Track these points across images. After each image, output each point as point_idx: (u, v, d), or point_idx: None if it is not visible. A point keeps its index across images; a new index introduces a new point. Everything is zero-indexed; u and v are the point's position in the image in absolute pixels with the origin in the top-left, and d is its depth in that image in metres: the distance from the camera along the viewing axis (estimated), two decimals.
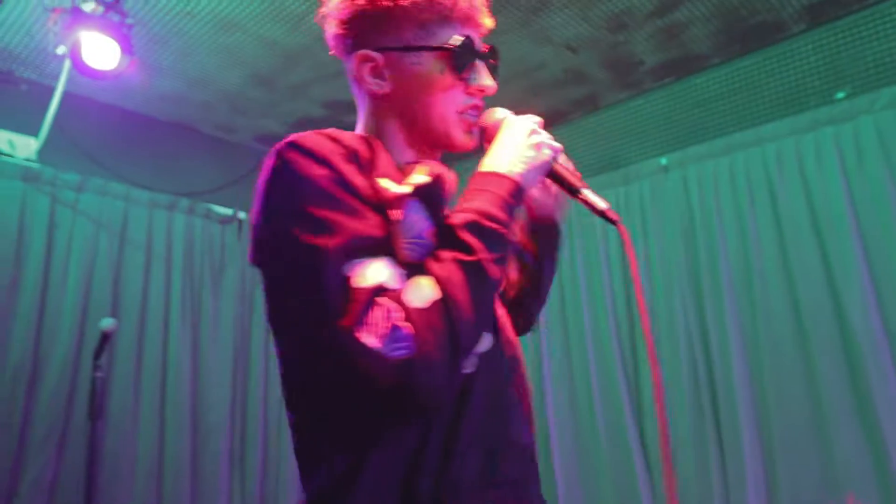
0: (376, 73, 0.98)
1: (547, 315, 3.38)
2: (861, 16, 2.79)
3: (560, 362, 3.33)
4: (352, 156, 0.86)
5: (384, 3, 0.96)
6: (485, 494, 0.84)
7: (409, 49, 0.96)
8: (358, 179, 0.84)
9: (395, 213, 0.84)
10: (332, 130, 0.90)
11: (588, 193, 0.96)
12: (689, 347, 2.96)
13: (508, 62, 3.13)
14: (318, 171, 0.83)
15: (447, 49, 0.96)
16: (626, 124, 3.46)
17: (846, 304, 2.57)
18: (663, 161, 3.19)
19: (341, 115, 3.64)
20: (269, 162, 0.87)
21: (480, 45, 1.00)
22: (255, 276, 3.74)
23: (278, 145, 0.87)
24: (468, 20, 0.98)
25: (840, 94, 2.80)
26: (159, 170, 3.59)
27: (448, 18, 0.97)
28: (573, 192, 0.97)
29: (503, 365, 0.94)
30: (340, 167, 0.84)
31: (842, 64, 2.82)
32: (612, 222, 0.94)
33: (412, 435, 0.82)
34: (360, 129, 1.04)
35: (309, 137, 0.86)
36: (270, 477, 3.55)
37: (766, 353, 2.72)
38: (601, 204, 0.95)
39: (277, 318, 0.88)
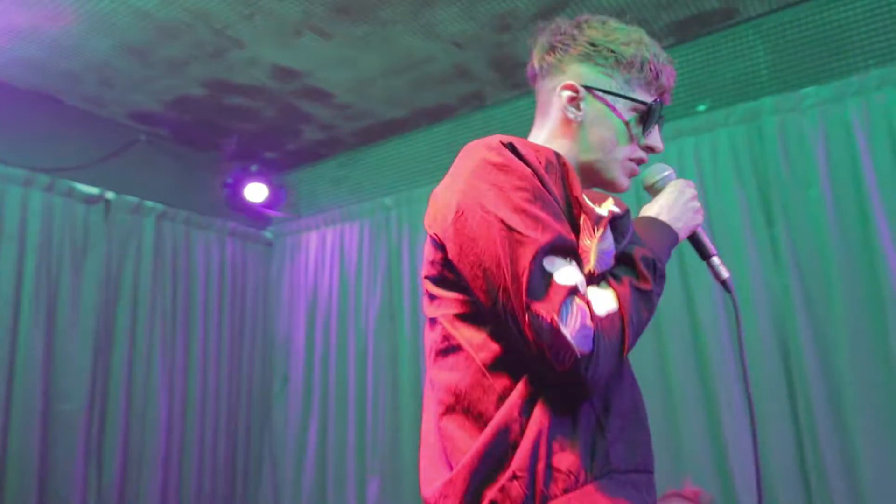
0: (574, 102, 1.12)
1: None
2: (721, 35, 3.03)
3: None
4: (550, 166, 0.98)
5: (606, 54, 1.10)
6: (629, 477, 0.93)
7: (614, 94, 1.10)
8: (555, 188, 0.96)
9: (598, 230, 0.97)
10: (530, 142, 1.03)
11: (717, 260, 1.16)
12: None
13: (397, 53, 3.13)
14: (531, 175, 0.94)
15: (646, 105, 1.11)
16: (512, 123, 3.56)
17: (697, 304, 2.79)
18: None
19: (222, 96, 3.50)
20: (483, 152, 0.96)
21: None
22: (120, 260, 3.52)
23: (491, 140, 0.98)
24: (663, 93, 1.13)
25: (701, 107, 3.03)
26: (14, 142, 3.30)
27: (650, 84, 1.11)
28: (707, 255, 1.17)
29: (632, 372, 1.07)
30: (544, 175, 0.96)
31: (703, 79, 3.05)
32: (729, 291, 1.15)
33: (568, 414, 0.91)
34: (537, 138, 1.17)
35: (519, 142, 0.98)
36: (132, 470, 3.37)
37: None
38: (724, 273, 1.16)
39: (450, 286, 0.99)
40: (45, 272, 3.21)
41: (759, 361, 2.62)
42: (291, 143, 4.10)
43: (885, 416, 2.38)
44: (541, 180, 0.94)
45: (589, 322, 0.86)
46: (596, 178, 1.15)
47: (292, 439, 3.95)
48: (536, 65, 1.18)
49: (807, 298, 2.59)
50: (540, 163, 0.97)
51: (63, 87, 3.39)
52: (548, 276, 0.86)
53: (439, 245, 1.00)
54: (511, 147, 0.96)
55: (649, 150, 1.15)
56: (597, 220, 0.98)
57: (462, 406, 0.95)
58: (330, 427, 3.80)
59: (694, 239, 1.16)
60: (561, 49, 1.13)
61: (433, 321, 1.03)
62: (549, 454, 0.88)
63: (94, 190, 3.50)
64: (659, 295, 0.98)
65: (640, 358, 2.84)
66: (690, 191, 1.15)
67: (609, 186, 1.15)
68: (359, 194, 4.11)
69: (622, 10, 2.83)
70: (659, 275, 0.98)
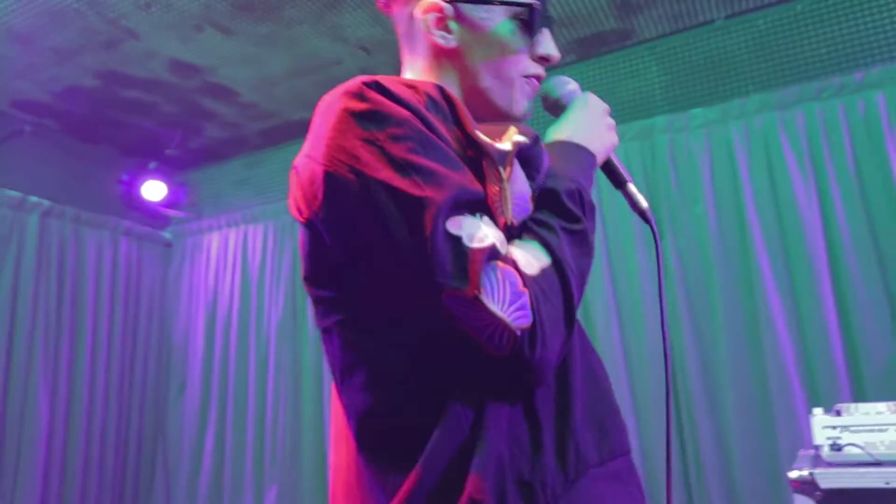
0: (442, 25, 0.90)
1: None
2: (619, 55, 3.16)
3: None
4: (433, 104, 0.78)
5: None
6: (607, 468, 0.78)
7: (483, 2, 0.89)
8: (444, 131, 0.77)
9: (503, 171, 0.77)
10: (403, 79, 0.81)
11: (633, 188, 0.95)
12: None
13: (303, 54, 3.08)
14: (410, 117, 0.74)
15: (525, 5, 0.90)
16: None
17: (592, 312, 2.89)
18: None
19: (116, 88, 3.33)
20: (343, 103, 0.75)
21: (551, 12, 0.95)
22: (2, 258, 3.30)
23: (351, 85, 0.76)
24: None
25: None
26: None
27: None
28: (622, 182, 0.96)
29: (585, 337, 0.87)
30: (426, 115, 0.76)
31: (602, 95, 3.16)
32: (648, 222, 0.95)
33: (519, 410, 0.74)
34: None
35: (388, 80, 0.77)
36: (5, 483, 3.15)
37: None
38: (643, 202, 0.95)
39: (350, 282, 0.77)
40: None
41: (645, 365, 2.75)
42: (193, 141, 3.95)
43: (757, 414, 2.54)
44: (424, 122, 0.75)
45: (521, 287, 0.69)
46: (490, 110, 0.93)
47: (188, 448, 3.80)
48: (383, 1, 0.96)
49: (690, 306, 2.73)
50: (419, 101, 0.78)
51: None
52: (456, 242, 0.68)
53: (313, 231, 0.79)
54: (378, 87, 0.76)
55: (543, 60, 0.94)
56: (501, 157, 0.79)
57: (384, 432, 0.76)
58: (228, 435, 3.69)
59: (608, 165, 0.96)
60: None
61: (327, 332, 0.83)
62: (514, 466, 0.70)
63: None
64: (593, 231, 0.81)
65: None
66: (601, 104, 0.96)
67: (507, 117, 0.94)
68: (264, 196, 4.01)
69: None
70: (589, 207, 0.81)
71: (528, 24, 0.91)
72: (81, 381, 3.56)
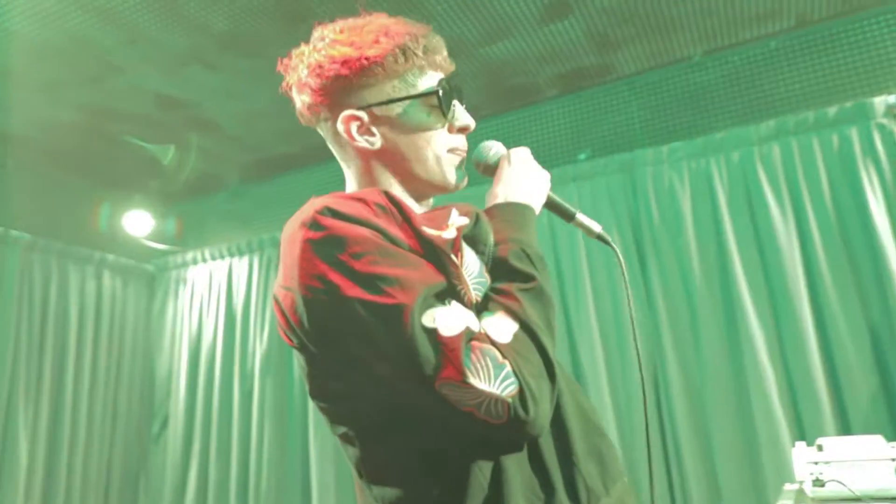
0: (364, 130, 0.99)
1: None
2: (599, 89, 3.22)
3: None
4: (382, 211, 0.86)
5: (360, 64, 0.96)
6: (612, 496, 0.86)
7: (394, 101, 0.98)
8: (398, 232, 0.84)
9: (455, 258, 0.85)
10: (346, 193, 0.90)
11: (582, 217, 1.05)
12: None
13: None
14: (365, 232, 0.81)
15: (432, 93, 0.99)
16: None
17: (577, 340, 2.90)
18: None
19: (101, 122, 3.33)
20: (303, 234, 0.83)
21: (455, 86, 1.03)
22: None
23: (306, 215, 0.84)
24: (440, 66, 1.02)
25: (582, 156, 3.19)
26: None
27: (423, 68, 0.99)
28: (570, 216, 1.05)
29: (568, 376, 0.95)
30: (381, 224, 0.83)
31: (584, 129, 3.23)
32: (608, 243, 1.04)
33: (524, 458, 0.82)
34: (353, 188, 1.03)
35: (337, 203, 0.84)
36: None
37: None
38: (595, 227, 1.05)
39: (349, 393, 0.85)
40: None
41: (630, 394, 2.75)
42: (178, 174, 3.95)
43: (742, 447, 2.55)
44: (379, 231, 0.82)
45: (500, 359, 0.76)
46: (428, 189, 1.03)
47: (171, 484, 3.73)
48: (303, 110, 1.04)
49: (674, 339, 2.75)
50: (370, 211, 0.85)
51: None
52: (432, 335, 0.76)
53: (308, 354, 0.88)
54: (330, 212, 0.83)
55: (462, 130, 1.03)
56: (448, 245, 0.86)
57: None
58: (211, 472, 3.63)
59: (550, 204, 1.05)
60: (316, 84, 0.99)
61: (342, 439, 0.91)
62: None
63: None
64: (547, 281, 0.88)
65: None
66: (525, 155, 1.04)
67: (443, 190, 1.03)
68: (248, 229, 4.01)
69: (505, 61, 2.96)
70: (538, 260, 0.89)
71: (439, 104, 0.99)
72: (63, 417, 3.50)
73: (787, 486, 1.47)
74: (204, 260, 4.05)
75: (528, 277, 0.86)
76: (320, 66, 0.98)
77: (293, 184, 3.94)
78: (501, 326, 0.80)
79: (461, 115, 1.03)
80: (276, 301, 0.90)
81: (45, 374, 3.46)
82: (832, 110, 2.66)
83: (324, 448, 3.33)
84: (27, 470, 3.28)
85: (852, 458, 1.32)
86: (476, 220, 0.92)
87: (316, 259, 0.81)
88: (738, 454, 2.55)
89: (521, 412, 0.75)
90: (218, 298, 3.91)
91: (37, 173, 3.74)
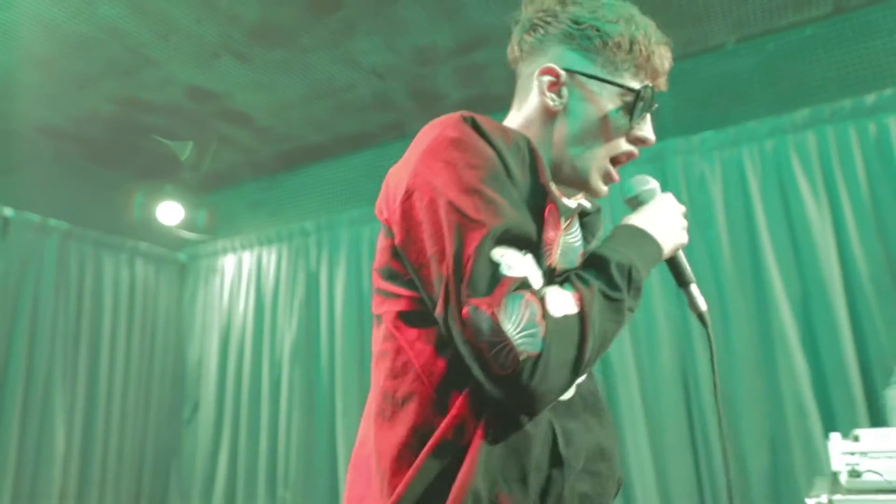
0: (555, 88, 0.98)
1: None
2: None
3: None
4: (517, 149, 0.87)
5: (590, 32, 0.97)
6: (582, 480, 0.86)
7: (597, 79, 0.97)
8: (519, 173, 0.86)
9: (564, 221, 0.86)
10: (498, 122, 0.90)
11: (695, 289, 1.03)
12: None
13: (317, 79, 3.13)
14: (490, 153, 0.83)
15: (634, 91, 0.97)
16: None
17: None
18: None
19: (135, 114, 3.40)
20: (441, 129, 0.86)
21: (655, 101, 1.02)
22: (19, 281, 3.34)
23: (453, 117, 0.87)
24: (655, 77, 1.00)
25: None
26: None
27: (640, 68, 0.98)
28: (685, 282, 1.02)
29: (596, 396, 0.94)
30: (506, 156, 0.85)
31: None
32: (705, 325, 1.02)
33: (517, 447, 0.81)
34: (512, 125, 1.03)
35: (485, 120, 0.87)
36: None
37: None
38: (702, 305, 1.02)
39: (397, 279, 0.88)
40: None
41: (660, 390, 2.74)
42: (209, 164, 4.00)
43: (772, 439, 2.52)
44: (503, 161, 0.84)
45: (538, 320, 0.75)
46: (570, 176, 1.00)
47: (201, 468, 3.81)
48: (516, 45, 1.04)
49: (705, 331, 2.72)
50: (506, 143, 0.86)
51: None
52: (495, 266, 0.76)
53: (388, 230, 0.90)
54: (472, 122, 0.86)
55: (639, 142, 1.01)
56: (564, 211, 0.88)
57: (398, 416, 0.84)
58: (240, 456, 3.69)
59: (674, 261, 1.02)
60: (541, 27, 1.00)
61: (378, 319, 0.93)
62: (492, 491, 0.78)
63: None
64: (632, 310, 0.86)
65: None
66: (678, 206, 1.01)
67: (583, 187, 1.01)
68: (278, 218, 4.05)
69: None
70: (634, 286, 0.86)
71: (632, 108, 0.97)
72: (98, 402, 3.58)
73: (820, 478, 1.45)
74: (234, 249, 4.11)
75: (616, 287, 0.83)
76: (555, 16, 0.99)
77: (323, 174, 3.97)
78: (561, 302, 0.78)
79: (646, 126, 1.01)
80: (388, 176, 0.94)
81: (80, 360, 3.54)
82: (870, 98, 2.60)
83: (351, 434, 3.37)
84: (64, 454, 3.37)
85: (890, 449, 1.30)
86: (598, 212, 0.95)
87: (439, 152, 0.85)
88: (768, 446, 2.53)
89: (525, 375, 0.73)
90: (248, 287, 3.97)
91: (72, 164, 3.82)
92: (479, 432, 0.79)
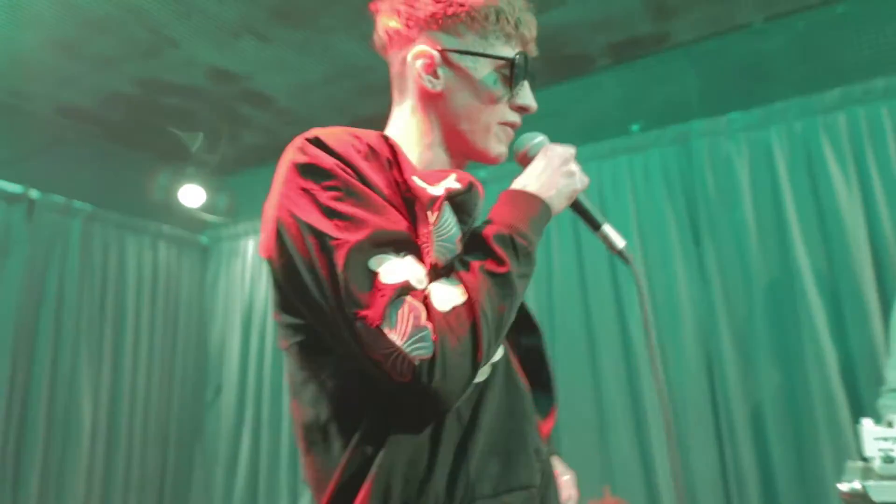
0: (431, 70, 0.99)
1: None
2: (654, 59, 3.13)
3: None
4: (372, 153, 0.87)
5: (454, 9, 0.98)
6: (500, 499, 0.83)
7: (470, 54, 0.99)
8: (378, 177, 0.85)
9: (431, 214, 0.85)
10: (352, 129, 0.90)
11: (608, 230, 1.01)
12: None
13: (338, 60, 3.11)
14: (345, 170, 0.83)
15: (508, 60, 0.99)
16: None
17: (628, 318, 2.86)
18: (482, 174, 3.35)
19: (156, 95, 3.40)
20: (289, 156, 0.87)
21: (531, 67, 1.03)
22: (44, 263, 3.39)
23: (299, 140, 0.87)
24: (525, 44, 1.02)
25: (635, 127, 3.12)
26: None
27: (509, 37, 1.00)
28: (595, 225, 1.01)
29: (513, 374, 0.93)
30: (360, 165, 0.85)
31: (637, 100, 3.15)
32: (626, 262, 1.01)
33: (425, 437, 0.81)
34: (397, 123, 1.04)
35: (331, 135, 0.87)
36: (50, 483, 3.22)
37: (561, 358, 2.95)
38: (619, 243, 1.01)
39: (292, 311, 0.88)
40: None
41: (683, 374, 2.71)
42: (230, 147, 4.02)
43: (799, 425, 2.49)
44: (357, 172, 0.84)
45: (424, 322, 0.75)
46: (468, 151, 1.03)
47: (224, 449, 3.86)
48: (382, 33, 1.04)
49: (730, 314, 2.68)
50: (358, 151, 0.86)
51: None
52: (371, 277, 0.77)
53: (272, 268, 0.90)
54: (317, 142, 0.86)
55: (521, 110, 1.03)
56: (429, 202, 0.85)
57: (319, 444, 0.85)
58: (263, 437, 3.73)
59: (577, 208, 1.02)
60: (405, 12, 1.00)
61: (286, 353, 0.93)
62: (403, 495, 0.78)
63: (16, 188, 3.35)
64: (523, 277, 0.85)
65: (571, 368, 2.90)
66: (563, 153, 1.00)
67: (482, 157, 1.03)
68: None
69: (558, 31, 2.90)
70: (523, 252, 0.85)
71: (510, 76, 0.99)
72: (122, 382, 3.63)
73: (850, 464, 1.43)
74: (256, 232, 4.13)
75: (501, 262, 0.83)
76: None
77: None
78: (445, 295, 0.79)
79: (526, 94, 1.03)
80: (263, 213, 0.93)
81: (105, 340, 3.59)
82: None
83: None
84: (91, 432, 3.42)
85: None
86: (469, 189, 0.90)
87: (293, 180, 0.85)
88: (794, 433, 2.49)
89: (424, 378, 0.74)
90: (269, 270, 3.98)
91: (96, 146, 3.85)
92: (386, 442, 0.80)
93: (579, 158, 3.26)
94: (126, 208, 3.85)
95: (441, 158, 1.02)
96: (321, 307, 0.80)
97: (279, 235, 0.85)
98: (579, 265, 3.03)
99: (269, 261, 0.89)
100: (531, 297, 3.06)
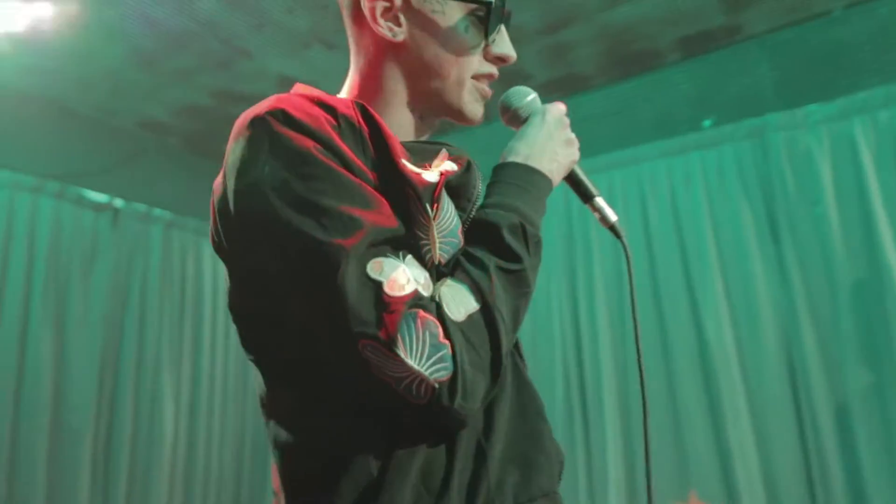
0: (390, 16, 0.84)
1: None
2: (727, 52, 3.03)
3: None
4: (349, 127, 0.73)
5: None
6: None
7: None
8: (360, 158, 0.72)
9: (430, 209, 0.72)
10: (316, 94, 0.75)
11: (601, 202, 0.90)
12: (562, 348, 3.10)
13: None
14: (318, 151, 0.68)
15: (482, 2, 0.83)
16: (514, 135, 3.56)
17: (703, 317, 2.78)
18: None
19: (229, 106, 3.52)
20: (249, 132, 0.71)
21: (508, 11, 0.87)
22: (128, 269, 3.55)
23: (257, 110, 0.72)
24: None
25: (707, 123, 3.04)
26: (24, 149, 3.33)
27: None
28: (588, 197, 0.91)
29: (519, 369, 0.83)
30: (341, 145, 0.70)
31: (709, 95, 3.06)
32: (618, 236, 0.91)
33: (440, 447, 0.71)
34: (353, 81, 0.91)
35: (296, 107, 0.71)
36: (138, 482, 3.37)
37: (632, 360, 2.90)
38: (611, 216, 0.90)
39: (266, 320, 0.74)
40: (54, 279, 3.23)
41: (764, 376, 2.62)
42: None
43: (890, 432, 2.37)
44: (335, 153, 0.69)
45: (442, 339, 0.65)
46: (438, 110, 0.89)
47: None
48: None
49: (813, 315, 2.58)
50: (334, 126, 0.71)
51: (74, 95, 3.43)
52: (375, 287, 0.64)
53: (226, 265, 0.77)
54: (283, 116, 0.70)
55: (499, 60, 0.89)
56: (427, 191, 0.73)
57: (302, 466, 0.74)
58: None
59: (571, 179, 0.91)
60: None
61: (253, 363, 0.81)
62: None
63: (103, 198, 3.53)
64: (535, 268, 0.75)
65: (648, 374, 2.85)
66: (560, 116, 0.88)
67: (457, 117, 0.89)
68: None
69: (626, 26, 2.85)
70: (533, 242, 0.75)
71: (484, 21, 0.84)
72: (202, 386, 3.76)
73: None
74: None
75: (515, 258, 0.72)
76: None
77: None
78: (459, 300, 0.68)
79: (504, 41, 0.88)
80: (213, 193, 0.79)
81: (184, 345, 3.73)
82: None
83: None
84: (173, 433, 3.56)
85: None
86: (467, 169, 0.79)
87: (252, 166, 0.70)
88: (882, 429, 2.38)
89: (445, 400, 0.64)
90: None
91: (174, 156, 4.01)
92: (397, 451, 0.69)
93: (649, 155, 3.23)
94: (203, 215, 3.98)
95: (407, 120, 0.88)
96: (307, 321, 0.68)
97: (238, 238, 0.72)
98: (650, 263, 2.97)
99: (219, 252, 0.77)
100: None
